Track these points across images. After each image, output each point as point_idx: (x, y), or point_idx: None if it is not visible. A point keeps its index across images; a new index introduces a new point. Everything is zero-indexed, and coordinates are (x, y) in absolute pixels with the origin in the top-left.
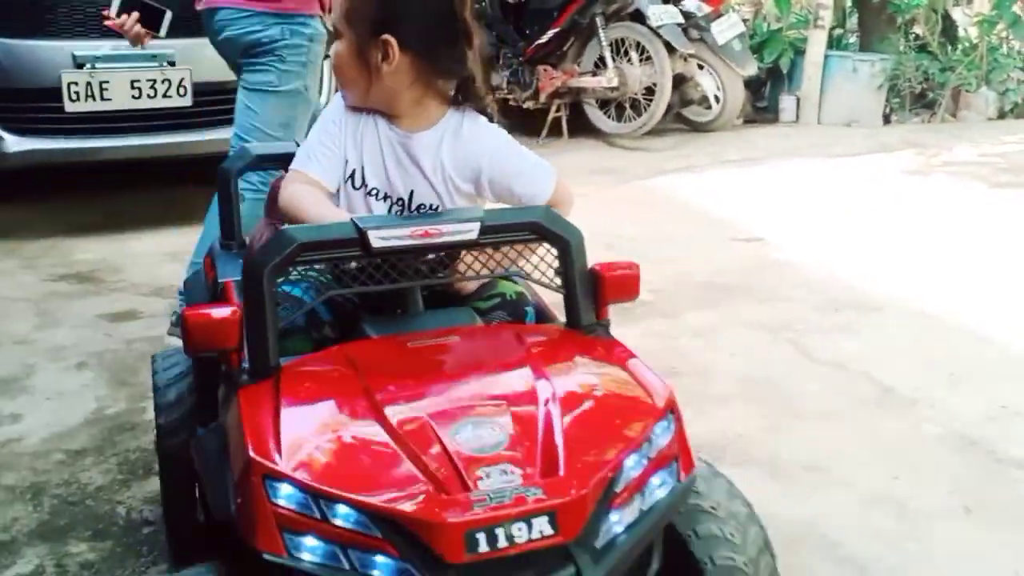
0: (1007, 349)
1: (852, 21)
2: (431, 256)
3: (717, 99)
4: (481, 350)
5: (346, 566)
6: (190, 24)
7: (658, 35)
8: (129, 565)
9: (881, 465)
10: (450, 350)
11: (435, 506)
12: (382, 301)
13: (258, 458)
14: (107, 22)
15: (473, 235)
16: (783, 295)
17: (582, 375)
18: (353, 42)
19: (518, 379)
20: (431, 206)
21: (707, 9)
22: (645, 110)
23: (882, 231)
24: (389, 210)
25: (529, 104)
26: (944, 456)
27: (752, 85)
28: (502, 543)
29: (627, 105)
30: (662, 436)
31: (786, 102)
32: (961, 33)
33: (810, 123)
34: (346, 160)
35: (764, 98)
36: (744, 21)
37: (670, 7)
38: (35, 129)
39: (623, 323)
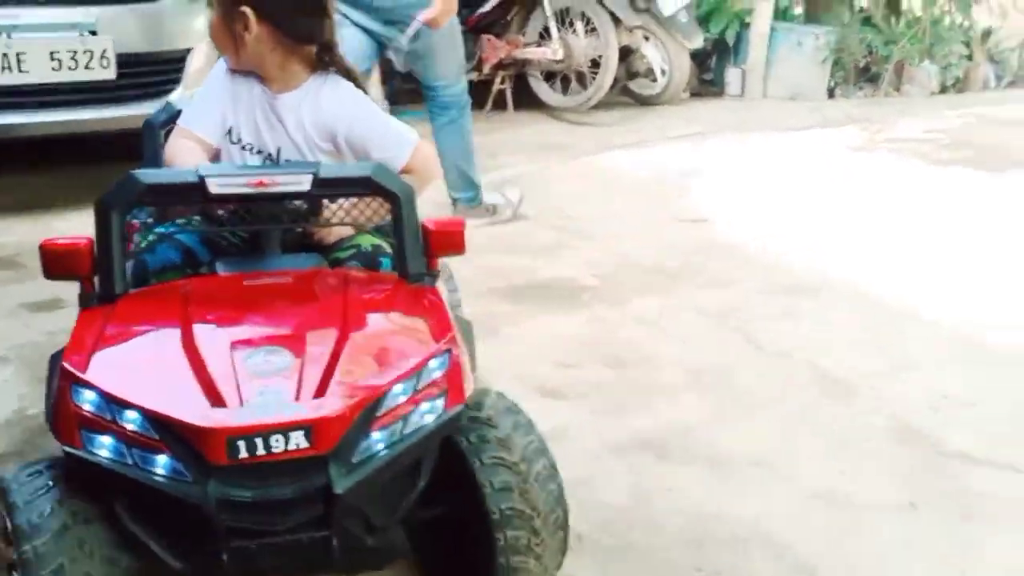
0: (949, 334)
1: None
2: (291, 205)
3: (663, 72)
4: (304, 291)
5: (130, 462)
6: None
7: (604, 6)
8: None
9: (826, 459)
10: (277, 289)
11: (204, 415)
12: (254, 244)
13: (68, 367)
14: None
15: (305, 187)
16: (729, 279)
17: (381, 316)
18: (220, 12)
19: (322, 317)
20: (302, 141)
21: None
22: (591, 83)
23: (827, 210)
24: (263, 164)
25: (472, 75)
26: (889, 448)
27: (698, 57)
28: (260, 451)
29: (573, 78)
30: (436, 371)
31: (732, 75)
32: (904, 6)
33: (756, 97)
34: (224, 117)
35: (710, 70)
36: None
37: None
38: None
39: (569, 310)
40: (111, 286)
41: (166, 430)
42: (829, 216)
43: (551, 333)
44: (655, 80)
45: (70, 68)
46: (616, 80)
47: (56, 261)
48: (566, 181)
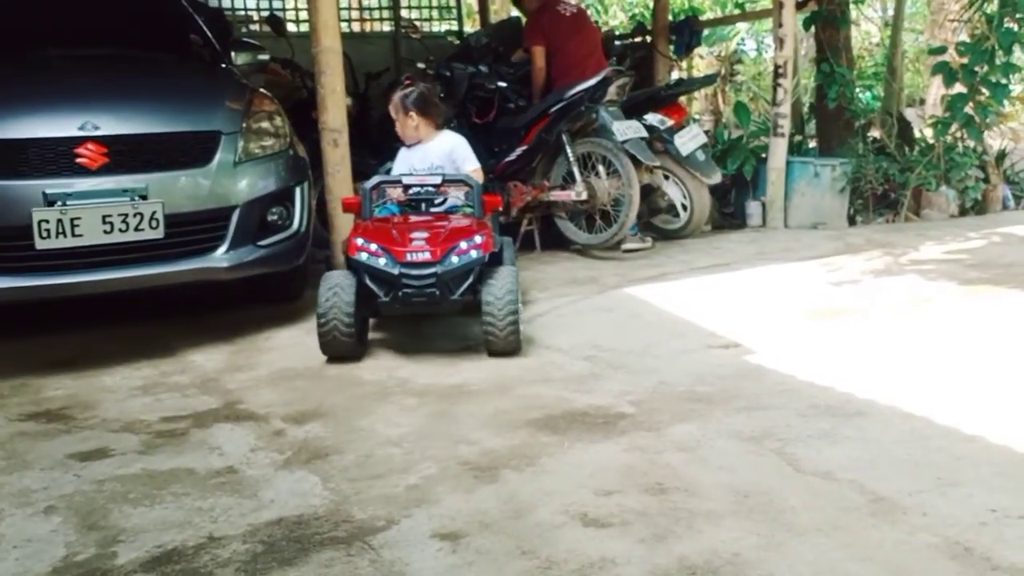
0: (992, 449)
1: (810, 127)
2: (431, 190)
3: (685, 207)
4: (437, 220)
5: (370, 262)
6: (161, 158)
7: (624, 150)
8: None
9: None
10: (426, 220)
11: (397, 246)
12: (417, 206)
13: (352, 232)
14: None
15: (438, 181)
16: (764, 403)
17: (463, 225)
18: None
19: (440, 224)
20: (432, 167)
21: (669, 122)
22: (615, 220)
23: (857, 332)
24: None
25: (501, 219)
26: (941, 566)
27: (718, 192)
28: (414, 257)
29: (597, 216)
30: (479, 238)
31: (752, 208)
32: (917, 134)
33: (777, 227)
34: (408, 164)
35: (730, 204)
36: (706, 132)
37: (633, 122)
38: (5, 268)
39: (607, 438)
40: (366, 214)
41: (385, 251)
42: (860, 337)
43: (591, 462)
44: (677, 215)
45: (121, 230)
46: (640, 216)
47: (346, 206)
48: (594, 314)
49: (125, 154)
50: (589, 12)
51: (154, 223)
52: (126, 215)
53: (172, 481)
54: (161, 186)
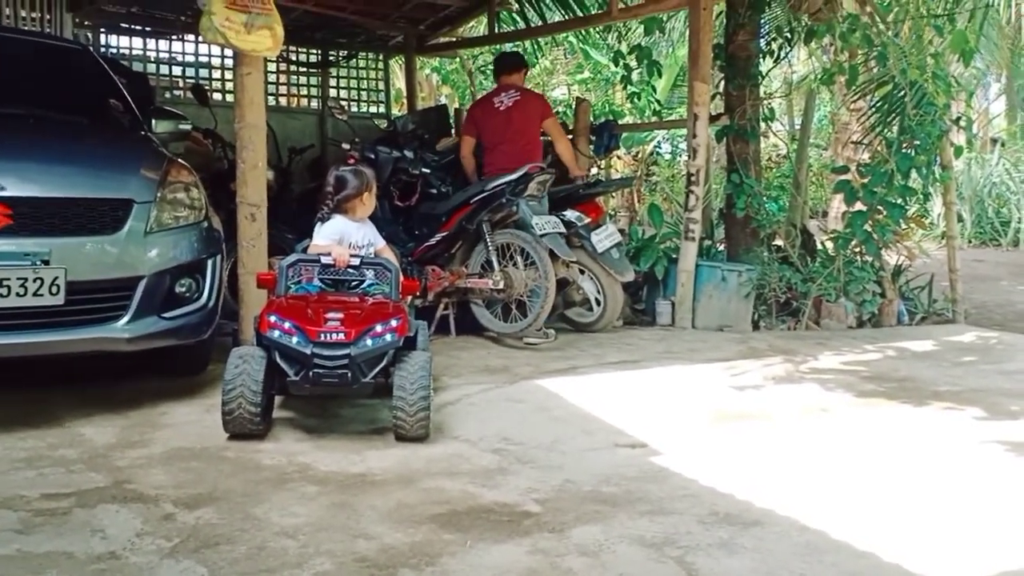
0: (883, 568)
1: (719, 232)
2: (352, 272)
3: (598, 302)
4: (355, 301)
5: (283, 339)
6: (69, 223)
7: (542, 243)
8: None
9: None
10: (344, 300)
11: (311, 325)
12: (338, 286)
13: (266, 309)
14: None
15: (357, 262)
16: (667, 507)
17: (379, 309)
18: (366, 195)
19: (358, 306)
20: (367, 243)
21: (587, 219)
22: (530, 311)
23: (758, 438)
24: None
25: (417, 303)
26: None
27: (630, 288)
28: (327, 338)
29: (513, 306)
30: (394, 322)
31: (662, 306)
32: (819, 246)
33: (685, 327)
34: (341, 236)
35: (642, 301)
36: (621, 230)
37: (552, 217)
38: None
39: (510, 538)
40: (281, 291)
41: (298, 329)
42: (763, 444)
43: (492, 564)
44: (591, 309)
45: (19, 295)
46: (554, 308)
47: (261, 282)
48: (505, 404)
49: (30, 217)
50: None
51: (54, 289)
52: (25, 279)
53: (49, 565)
54: (65, 252)
